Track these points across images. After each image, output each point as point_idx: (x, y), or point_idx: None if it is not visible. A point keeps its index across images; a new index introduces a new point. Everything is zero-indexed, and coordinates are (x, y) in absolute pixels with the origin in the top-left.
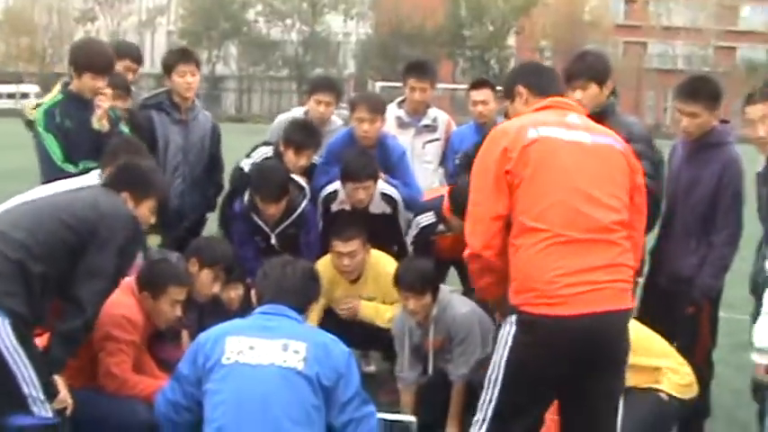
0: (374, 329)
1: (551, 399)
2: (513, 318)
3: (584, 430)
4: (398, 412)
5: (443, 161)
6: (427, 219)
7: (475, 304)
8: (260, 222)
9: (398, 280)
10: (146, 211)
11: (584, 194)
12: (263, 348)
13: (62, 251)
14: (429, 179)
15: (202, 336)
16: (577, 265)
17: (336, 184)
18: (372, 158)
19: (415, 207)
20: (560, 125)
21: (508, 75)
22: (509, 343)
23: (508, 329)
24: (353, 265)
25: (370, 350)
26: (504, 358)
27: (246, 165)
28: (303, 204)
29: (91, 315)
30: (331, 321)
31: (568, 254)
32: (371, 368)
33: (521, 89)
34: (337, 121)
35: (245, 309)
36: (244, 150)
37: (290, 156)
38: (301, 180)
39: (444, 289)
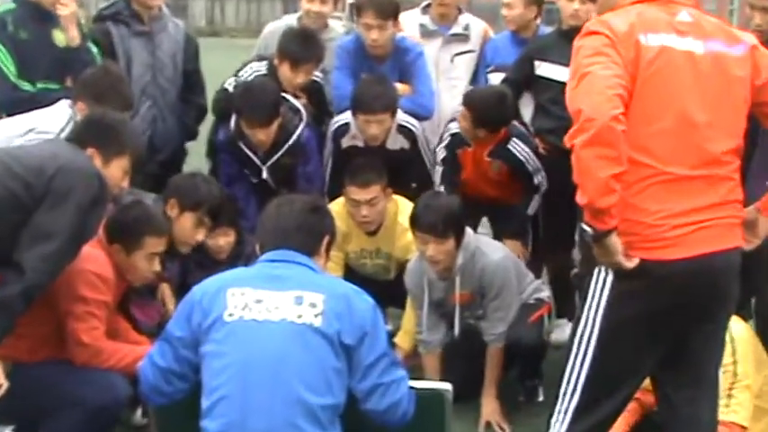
0: (392, 283)
1: (652, 363)
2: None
3: (689, 391)
4: (421, 379)
5: (475, 78)
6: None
7: (506, 248)
8: (249, 152)
9: (415, 220)
10: (116, 172)
11: (694, 120)
12: (273, 301)
13: (9, 206)
14: (456, 100)
15: (197, 289)
16: (684, 206)
17: (347, 116)
18: (390, 86)
19: (426, 115)
20: (670, 29)
21: None
22: (605, 294)
23: (602, 278)
24: (373, 216)
25: (389, 306)
26: (601, 313)
27: (232, 85)
28: (299, 129)
29: (33, 282)
30: (348, 275)
31: (674, 194)
32: (388, 327)
33: None
34: (337, 27)
35: (236, 258)
36: (218, 70)
37: (285, 71)
38: (297, 102)
39: (470, 232)
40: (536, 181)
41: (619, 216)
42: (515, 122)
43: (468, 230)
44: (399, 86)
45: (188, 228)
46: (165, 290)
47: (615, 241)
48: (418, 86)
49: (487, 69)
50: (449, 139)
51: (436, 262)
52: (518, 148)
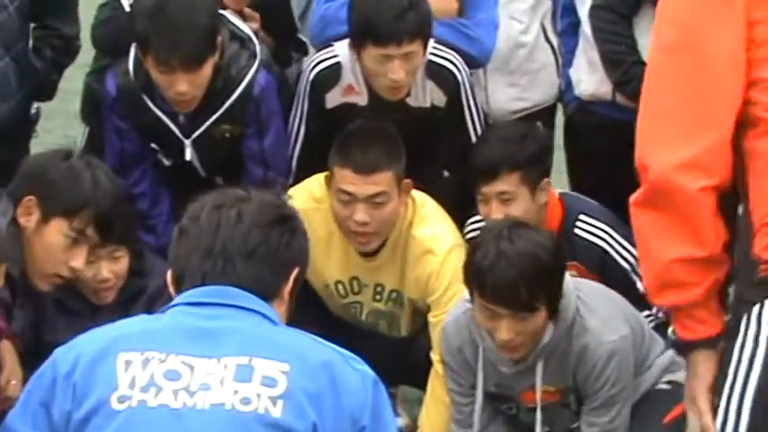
0: (405, 345)
1: None
2: (758, 309)
3: None
4: None
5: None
6: None
7: (624, 304)
8: (160, 115)
9: (478, 278)
10: None
11: None
12: (200, 375)
13: None
14: (524, 17)
15: (62, 353)
16: None
17: (335, 51)
18: None
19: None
20: None
21: None
22: (760, 355)
23: (753, 332)
24: (376, 224)
25: (399, 384)
26: (755, 381)
27: None
28: (250, 74)
29: None
30: (323, 326)
31: None
32: (400, 421)
33: None
34: None
35: (132, 300)
36: None
37: None
38: (245, 26)
39: (569, 285)
40: (641, 288)
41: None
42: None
43: (567, 283)
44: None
45: (56, 247)
46: (5, 352)
47: (705, 369)
48: (474, 9)
49: None
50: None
51: (512, 348)
52: (596, 232)
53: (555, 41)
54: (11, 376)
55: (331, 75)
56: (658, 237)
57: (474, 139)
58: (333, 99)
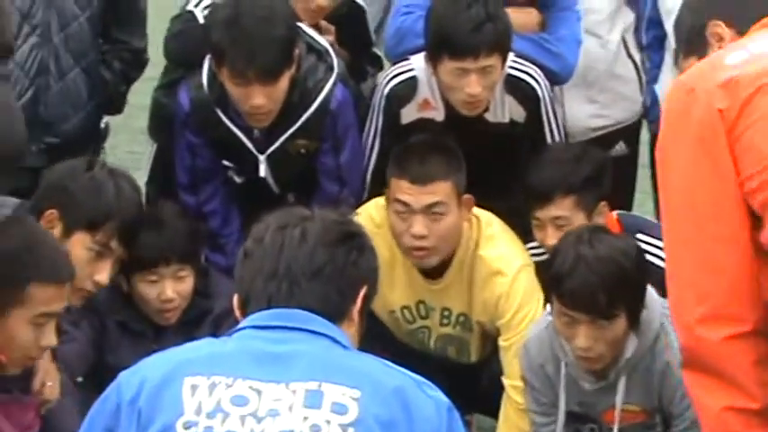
0: (475, 371)
1: None
2: None
3: None
4: None
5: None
6: None
7: None
8: (235, 130)
9: (556, 284)
10: None
11: None
12: (269, 401)
13: None
14: (601, 30)
15: (126, 378)
16: None
17: (412, 64)
18: (498, 7)
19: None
20: None
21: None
22: None
23: None
24: (436, 237)
25: (471, 413)
26: None
27: (203, 6)
28: (327, 88)
29: None
30: (392, 352)
31: None
32: None
33: (718, 29)
34: None
35: (197, 322)
36: None
37: None
38: (321, 38)
39: (653, 299)
40: None
41: None
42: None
43: (652, 297)
44: (518, 13)
45: (80, 261)
46: (48, 370)
47: None
48: (556, 24)
49: None
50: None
51: (590, 359)
52: (654, 251)
53: (637, 56)
54: (47, 378)
55: (406, 89)
56: (705, 393)
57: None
58: (408, 114)
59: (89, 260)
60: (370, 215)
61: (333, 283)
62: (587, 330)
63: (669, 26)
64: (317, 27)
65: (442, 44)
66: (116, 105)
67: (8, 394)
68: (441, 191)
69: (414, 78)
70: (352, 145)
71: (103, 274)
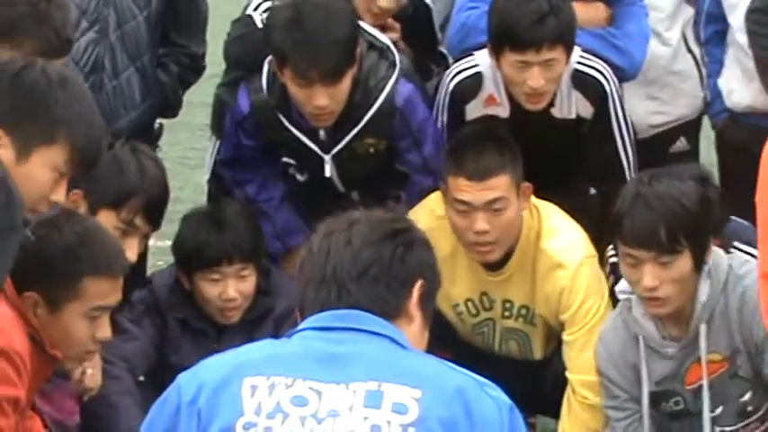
0: (538, 369)
1: None
2: None
3: None
4: None
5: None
6: None
7: None
8: (297, 133)
9: (617, 223)
10: (40, 170)
11: None
12: (329, 401)
13: None
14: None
15: (186, 378)
16: None
17: (476, 60)
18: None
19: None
20: None
21: None
22: None
23: None
24: (498, 231)
25: (536, 415)
26: None
27: (262, 11)
28: (390, 84)
29: None
30: (454, 352)
31: None
32: None
33: None
34: None
35: (258, 322)
36: None
37: None
38: (384, 37)
39: (722, 255)
40: None
41: None
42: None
43: (720, 253)
44: (585, 7)
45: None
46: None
47: None
48: (624, 20)
49: None
50: None
51: (658, 300)
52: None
53: (697, 51)
54: (88, 366)
55: (471, 85)
56: None
57: (623, 154)
58: (473, 110)
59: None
60: (432, 209)
61: (381, 281)
62: (652, 269)
63: (733, 20)
64: (382, 27)
65: (504, 36)
66: (172, 108)
67: (48, 382)
68: (500, 185)
69: (479, 74)
70: (433, 136)
71: (131, 252)
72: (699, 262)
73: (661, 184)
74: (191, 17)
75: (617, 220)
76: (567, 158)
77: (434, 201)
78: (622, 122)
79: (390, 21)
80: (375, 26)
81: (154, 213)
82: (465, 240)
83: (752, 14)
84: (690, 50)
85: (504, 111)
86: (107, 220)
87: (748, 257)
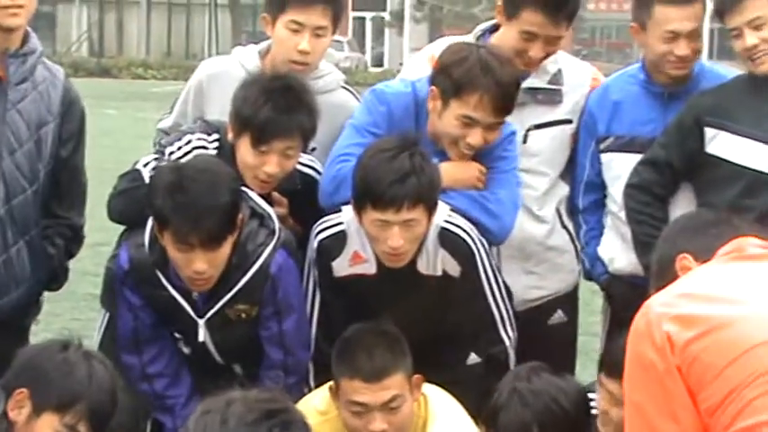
0: None
1: None
2: None
3: None
4: None
5: (571, 168)
6: None
7: None
8: (174, 293)
9: (492, 417)
10: None
11: None
12: None
13: None
14: (536, 206)
15: None
16: None
17: (340, 217)
18: (425, 159)
19: (498, 236)
20: None
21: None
22: None
23: None
24: (395, 429)
25: None
26: None
27: (151, 167)
28: (267, 251)
29: None
30: None
31: None
32: None
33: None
34: (329, 67)
35: None
36: (112, 131)
37: (245, 152)
38: (263, 202)
39: None
40: None
41: None
42: None
43: None
44: (452, 167)
45: None
46: None
47: None
48: (496, 185)
49: (601, 145)
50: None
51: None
52: None
53: (570, 226)
54: None
55: (335, 242)
56: None
57: (495, 311)
58: (340, 267)
59: None
60: (314, 406)
61: None
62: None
63: (614, 191)
64: (268, 199)
65: (366, 194)
66: (59, 280)
67: None
68: (395, 383)
69: (342, 232)
70: (297, 312)
71: None
72: None
73: (539, 380)
74: (72, 189)
75: (491, 413)
76: (439, 321)
77: (315, 397)
78: (492, 280)
79: (278, 196)
80: (261, 195)
81: (99, 421)
82: None
83: (629, 189)
84: (564, 226)
85: (371, 267)
86: (50, 422)
87: None
